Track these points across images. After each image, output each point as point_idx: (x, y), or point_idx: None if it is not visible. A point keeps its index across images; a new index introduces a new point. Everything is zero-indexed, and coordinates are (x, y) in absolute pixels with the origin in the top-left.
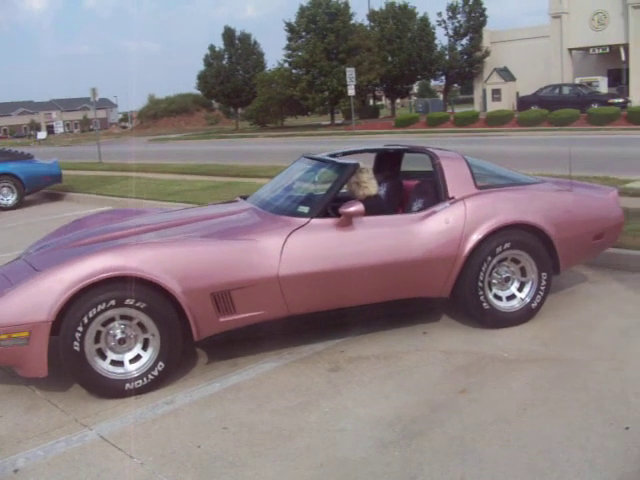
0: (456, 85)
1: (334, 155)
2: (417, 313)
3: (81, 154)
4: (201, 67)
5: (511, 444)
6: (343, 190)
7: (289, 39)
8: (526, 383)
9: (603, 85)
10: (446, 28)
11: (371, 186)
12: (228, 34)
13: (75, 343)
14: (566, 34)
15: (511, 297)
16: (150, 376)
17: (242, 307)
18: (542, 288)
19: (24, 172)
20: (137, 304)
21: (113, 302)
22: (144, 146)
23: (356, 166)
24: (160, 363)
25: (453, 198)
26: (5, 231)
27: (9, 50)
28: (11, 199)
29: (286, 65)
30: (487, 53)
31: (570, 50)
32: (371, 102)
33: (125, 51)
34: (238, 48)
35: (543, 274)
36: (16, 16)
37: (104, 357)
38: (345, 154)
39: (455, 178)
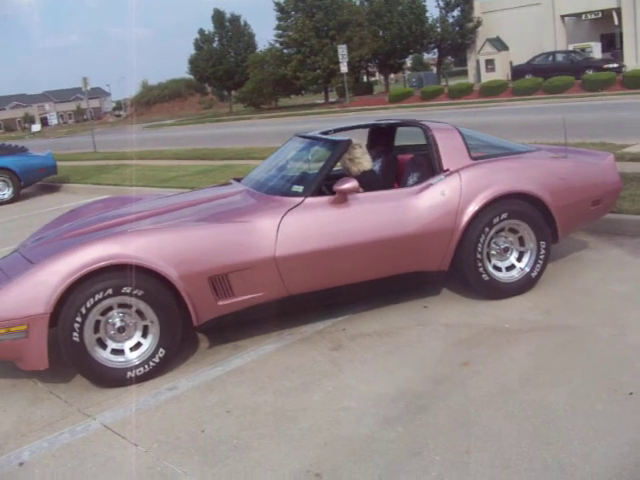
0: (449, 57)
1: (326, 133)
2: (417, 287)
3: (76, 145)
4: (192, 51)
5: (515, 415)
6: (338, 168)
7: (279, 19)
8: (528, 353)
9: (597, 51)
10: (436, 0)
11: (365, 161)
12: (218, 16)
13: (74, 334)
14: (557, 0)
15: (510, 267)
16: (151, 363)
17: (240, 290)
18: (541, 257)
19: (19, 165)
20: (134, 292)
21: (110, 291)
22: (139, 133)
23: (348, 142)
24: (161, 350)
25: (448, 170)
26: (1, 225)
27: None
28: (7, 193)
29: (277, 45)
30: (479, 23)
31: (562, 17)
32: (364, 78)
33: (115, 38)
34: (228, 30)
35: (542, 243)
36: (4, 10)
37: (104, 346)
38: (337, 131)
39: (449, 150)
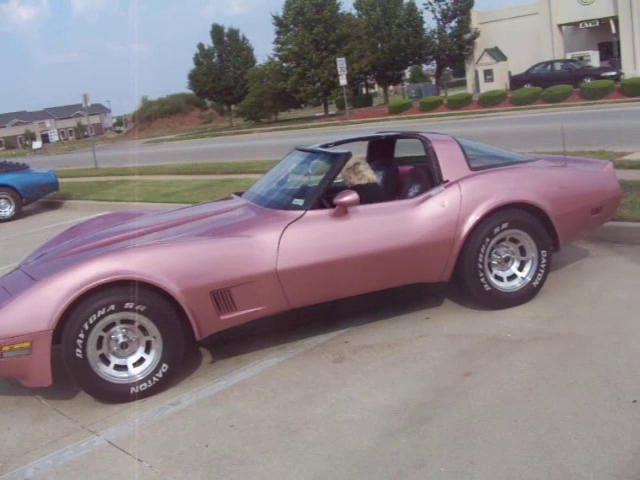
0: (448, 68)
1: (326, 146)
2: (419, 299)
3: (77, 161)
4: (192, 66)
5: (519, 424)
6: (340, 180)
7: (277, 33)
8: (531, 362)
9: (595, 59)
10: (434, 11)
11: (369, 174)
12: (216, 31)
13: (77, 350)
14: (555, 10)
15: (512, 277)
16: (154, 378)
17: (242, 304)
18: (543, 266)
19: (20, 182)
20: (137, 307)
21: (112, 307)
22: (139, 149)
23: (348, 155)
24: (164, 365)
25: (447, 181)
26: (3, 243)
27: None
28: (9, 210)
29: (276, 59)
30: (477, 34)
31: (560, 26)
32: (364, 91)
33: (115, 55)
34: (227, 45)
35: (543, 252)
36: (4, 27)
37: (107, 362)
38: (337, 144)
39: (448, 161)
